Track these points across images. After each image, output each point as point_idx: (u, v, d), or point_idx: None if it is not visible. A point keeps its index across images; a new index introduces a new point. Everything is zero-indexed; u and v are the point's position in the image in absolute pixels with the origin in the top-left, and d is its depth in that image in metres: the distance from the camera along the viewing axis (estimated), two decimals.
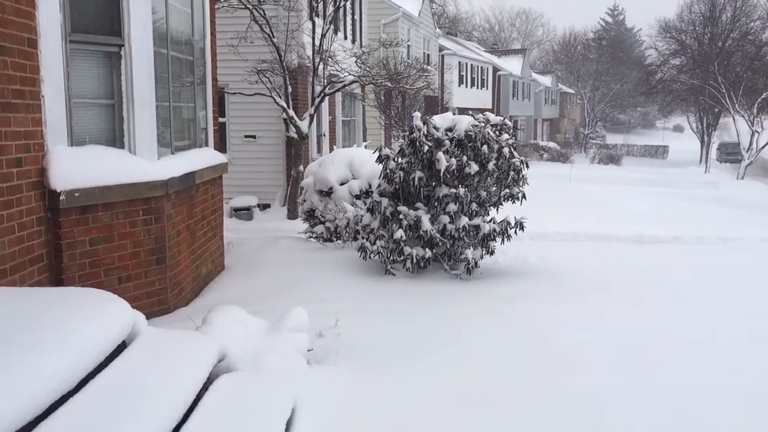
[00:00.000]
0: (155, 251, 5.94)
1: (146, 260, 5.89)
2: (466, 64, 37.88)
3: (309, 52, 14.06)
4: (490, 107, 41.16)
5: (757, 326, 5.95)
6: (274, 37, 12.84)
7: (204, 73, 7.61)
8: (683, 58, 45.72)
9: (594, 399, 4.23)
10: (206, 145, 7.73)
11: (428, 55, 30.60)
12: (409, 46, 26.84)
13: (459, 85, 36.22)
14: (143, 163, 5.80)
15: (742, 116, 35.78)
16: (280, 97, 13.19)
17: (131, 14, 5.66)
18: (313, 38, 13.38)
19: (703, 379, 4.61)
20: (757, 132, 35.82)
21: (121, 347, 3.53)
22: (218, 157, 7.83)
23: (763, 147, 36.22)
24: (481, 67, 40.83)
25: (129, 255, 5.75)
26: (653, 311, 6.41)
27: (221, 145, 12.97)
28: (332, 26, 14.22)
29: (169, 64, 6.45)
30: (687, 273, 8.36)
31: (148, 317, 4.98)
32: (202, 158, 7.19)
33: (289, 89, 13.38)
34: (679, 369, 4.81)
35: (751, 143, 35.48)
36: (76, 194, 5.20)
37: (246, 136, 14.97)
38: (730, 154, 48.68)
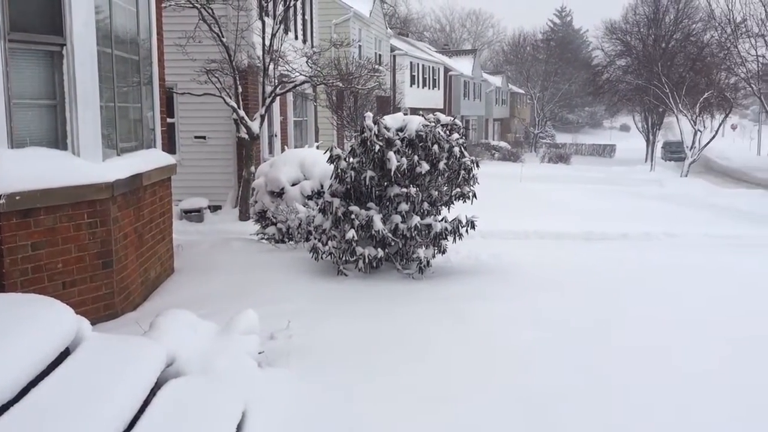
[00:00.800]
0: (101, 255, 5.81)
1: (92, 264, 5.74)
2: (418, 64, 38.07)
3: (259, 52, 13.93)
4: (442, 107, 41.46)
5: (706, 320, 6.11)
6: (223, 36, 12.68)
7: (151, 73, 7.47)
8: (628, 58, 46.77)
9: (548, 397, 4.27)
10: (154, 146, 7.59)
11: (380, 55, 30.65)
12: (360, 46, 26.84)
13: (411, 86, 36.39)
14: (87, 164, 5.66)
15: (685, 115, 36.78)
16: (230, 98, 13.03)
17: (73, 13, 5.52)
18: (263, 38, 13.26)
19: (655, 377, 4.69)
20: (700, 131, 36.87)
21: (65, 354, 3.44)
22: (167, 159, 7.70)
23: (705, 145, 37.31)
24: (433, 68, 41.09)
25: (74, 259, 5.60)
26: (604, 308, 6.52)
27: (170, 146, 12.77)
28: (282, 26, 14.11)
29: (114, 63, 6.31)
30: (636, 269, 8.54)
31: (94, 323, 4.87)
32: (149, 159, 7.05)
33: (240, 89, 13.23)
34: (632, 366, 4.89)
35: (693, 142, 36.50)
36: (17, 197, 5.05)
37: (196, 137, 14.75)
38: (674, 152, 50.00)
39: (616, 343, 5.41)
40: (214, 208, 14.46)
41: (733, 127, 69.66)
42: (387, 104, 28.06)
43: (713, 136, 37.35)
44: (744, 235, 12.67)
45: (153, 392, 3.46)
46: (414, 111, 31.10)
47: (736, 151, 61.16)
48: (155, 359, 3.60)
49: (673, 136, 57.69)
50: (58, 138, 5.61)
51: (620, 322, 5.99)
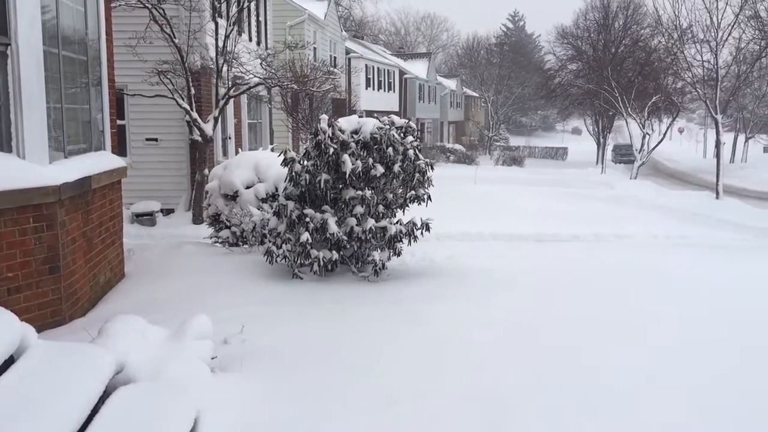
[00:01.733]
0: (48, 260, 5.66)
1: (38, 270, 5.59)
2: (373, 67, 38.14)
3: (212, 54, 13.76)
4: (398, 110, 41.60)
5: (655, 320, 6.26)
6: (175, 37, 12.49)
7: (100, 74, 7.32)
8: (579, 63, 47.71)
9: (501, 398, 4.30)
10: (104, 148, 7.44)
11: (335, 57, 30.61)
12: (315, 48, 26.76)
13: (366, 88, 36.43)
14: (33, 167, 5.51)
15: (634, 119, 37.64)
16: (183, 99, 12.84)
17: (18, 12, 5.37)
18: (217, 39, 13.11)
19: (606, 377, 4.77)
20: (648, 134, 37.79)
21: (9, 363, 3.34)
22: (116, 161, 7.55)
23: (653, 148, 38.27)
24: (388, 70, 41.22)
25: (19, 265, 5.44)
26: (555, 308, 6.63)
27: (121, 149, 12.51)
28: (236, 27, 13.97)
29: (61, 64, 6.17)
30: (586, 270, 8.67)
31: (40, 330, 4.75)
32: (98, 162, 6.91)
33: (192, 91, 13.05)
34: (582, 365, 4.98)
35: (642, 145, 37.40)
36: None
37: (147, 139, 14.49)
38: (624, 155, 51.21)
39: (568, 342, 5.50)
40: (167, 212, 14.22)
41: (680, 131, 71.69)
42: (342, 107, 28.04)
43: (661, 140, 38.35)
44: (690, 235, 13.03)
45: (102, 400, 3.38)
46: (369, 113, 31.12)
47: (683, 154, 62.98)
48: (103, 366, 3.52)
49: (622, 139, 59.00)
50: (2, 140, 5.44)
51: (573, 321, 6.08)
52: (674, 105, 37.03)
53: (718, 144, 26.36)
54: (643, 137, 37.46)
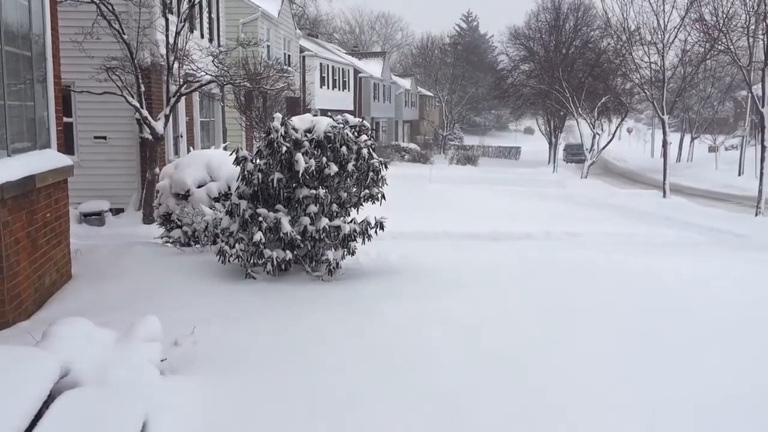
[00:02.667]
0: None
1: None
2: (328, 65, 38.01)
3: (163, 51, 13.52)
4: (352, 109, 41.55)
5: (600, 316, 6.38)
6: (124, 33, 12.22)
7: (45, 70, 7.13)
8: (532, 63, 48.41)
9: (453, 397, 4.33)
10: (49, 146, 7.24)
11: (289, 56, 30.39)
12: (268, 46, 26.52)
13: (321, 87, 36.29)
14: None
15: (585, 119, 38.33)
16: (133, 97, 12.58)
17: None
18: (167, 36, 12.87)
19: (556, 376, 4.85)
20: (598, 134, 38.53)
21: None
22: (62, 160, 7.36)
23: (603, 148, 39.03)
24: (343, 69, 41.13)
25: None
26: (508, 306, 6.70)
27: (68, 147, 12.19)
28: (187, 24, 13.76)
29: (4, 60, 5.98)
30: (539, 268, 8.77)
31: None
32: (43, 161, 6.72)
33: (143, 88, 12.79)
34: (535, 364, 5.05)
35: (593, 144, 38.11)
36: None
37: (96, 137, 14.14)
38: (575, 154, 52.09)
39: (519, 341, 5.56)
40: (117, 211, 13.92)
41: (629, 131, 73.26)
42: (297, 105, 27.86)
43: (610, 139, 39.14)
44: (638, 233, 13.33)
45: (46, 405, 3.29)
46: (324, 112, 31.00)
47: (632, 154, 64.42)
48: (48, 370, 3.42)
49: (574, 139, 59.97)
50: None
51: (526, 320, 6.16)
52: (623, 105, 37.83)
53: (664, 144, 26.99)
54: (594, 137, 38.17)
